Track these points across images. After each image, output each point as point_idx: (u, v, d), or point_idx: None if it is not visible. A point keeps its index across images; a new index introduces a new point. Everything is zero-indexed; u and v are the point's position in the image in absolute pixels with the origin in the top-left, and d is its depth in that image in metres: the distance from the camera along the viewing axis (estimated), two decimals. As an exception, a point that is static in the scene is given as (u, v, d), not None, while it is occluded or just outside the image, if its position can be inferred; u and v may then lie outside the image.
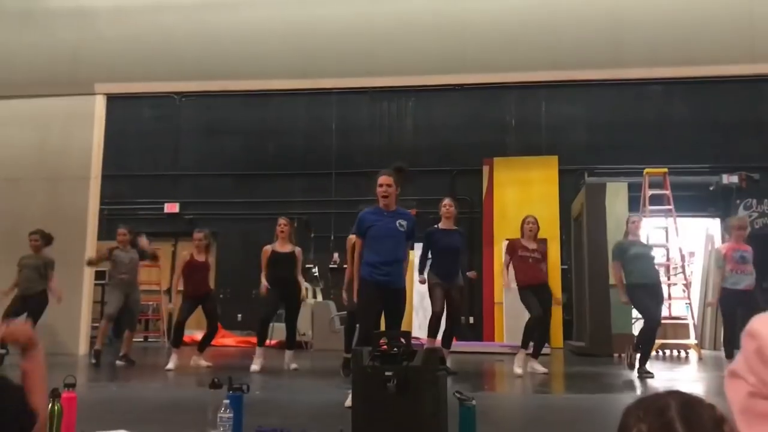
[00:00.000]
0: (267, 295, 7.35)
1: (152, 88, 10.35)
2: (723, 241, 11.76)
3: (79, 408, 3.21)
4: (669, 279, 10.36)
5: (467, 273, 7.27)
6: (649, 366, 6.87)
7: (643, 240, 8.20)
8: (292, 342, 7.56)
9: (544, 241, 7.54)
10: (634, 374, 6.70)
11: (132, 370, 7.59)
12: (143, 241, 8.42)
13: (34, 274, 8.11)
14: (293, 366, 7.30)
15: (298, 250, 7.60)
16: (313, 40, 9.10)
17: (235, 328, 12.02)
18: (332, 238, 12.78)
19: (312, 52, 9.12)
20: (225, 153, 13.58)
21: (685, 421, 1.06)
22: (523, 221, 7.40)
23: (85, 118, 9.70)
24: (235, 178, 13.43)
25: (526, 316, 7.07)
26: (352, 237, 6.60)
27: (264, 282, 7.37)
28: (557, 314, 11.63)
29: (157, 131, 13.74)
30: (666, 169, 10.32)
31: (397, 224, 5.05)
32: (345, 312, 8.20)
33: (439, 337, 6.89)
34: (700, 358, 9.18)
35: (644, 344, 6.91)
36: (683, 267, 10.21)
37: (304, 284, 8.10)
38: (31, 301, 7.94)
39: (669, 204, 10.05)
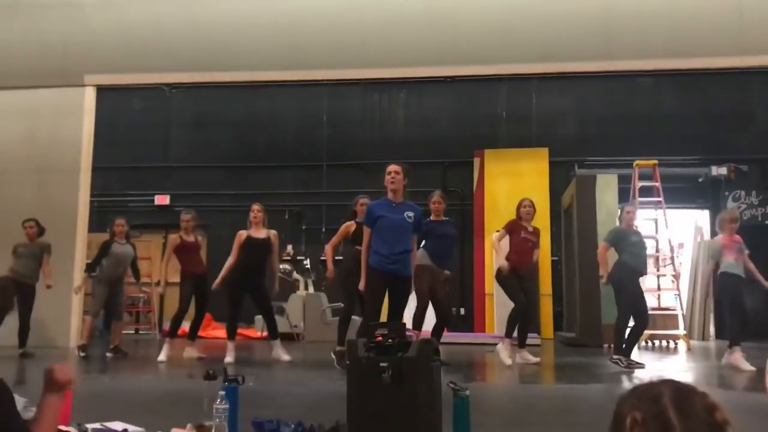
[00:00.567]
0: (229, 289, 7.28)
1: (142, 79, 10.30)
2: (711, 234, 11.87)
3: (73, 400, 3.21)
4: (658, 270, 10.45)
5: (445, 272, 7.11)
6: (638, 357, 6.93)
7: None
8: (274, 331, 7.45)
9: (537, 231, 7.41)
10: (624, 365, 6.67)
11: (124, 362, 7.59)
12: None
13: (32, 263, 8.09)
14: (285, 357, 7.26)
15: (273, 233, 7.49)
16: (304, 32, 9.08)
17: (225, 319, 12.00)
18: (324, 230, 12.79)
19: (303, 44, 9.10)
20: (216, 145, 13.53)
21: (678, 409, 1.09)
22: (519, 204, 7.35)
23: (74, 110, 9.65)
24: (225, 170, 13.39)
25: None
26: (348, 224, 6.71)
27: (220, 279, 7.27)
28: (547, 305, 11.73)
29: (147, 123, 13.67)
30: (656, 161, 10.38)
31: (405, 216, 5.31)
32: (337, 304, 8.22)
33: (428, 328, 6.92)
34: (689, 349, 9.27)
35: (636, 337, 6.94)
36: (672, 258, 10.30)
37: (282, 267, 8.04)
38: (24, 293, 7.90)
39: (658, 196, 10.12)
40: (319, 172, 13.18)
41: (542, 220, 11.54)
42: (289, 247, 11.87)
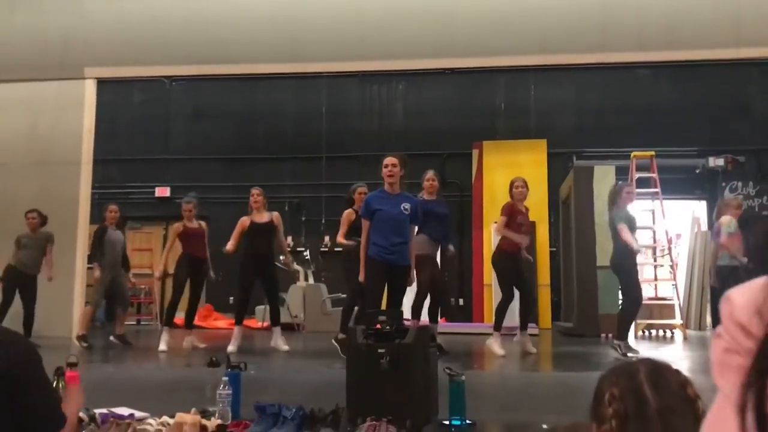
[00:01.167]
0: (242, 273, 7.28)
1: (142, 72, 10.34)
2: (708, 224, 11.94)
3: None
4: (656, 260, 10.54)
5: (449, 247, 7.14)
6: (635, 346, 7.00)
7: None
8: (276, 318, 7.47)
9: (527, 211, 7.26)
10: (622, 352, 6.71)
11: (126, 351, 7.68)
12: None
13: (36, 253, 8.16)
14: (284, 347, 7.27)
15: (275, 215, 7.44)
16: (303, 24, 9.12)
17: (228, 310, 12.07)
18: (323, 221, 12.87)
19: (302, 36, 9.14)
20: (215, 137, 13.59)
21: (652, 384, 1.19)
22: (512, 184, 7.14)
23: (75, 103, 9.69)
24: (225, 162, 13.45)
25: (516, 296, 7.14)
26: (349, 212, 6.77)
27: (230, 245, 7.20)
28: (545, 296, 11.83)
29: (147, 115, 13.72)
30: (653, 153, 10.45)
31: (402, 208, 5.38)
32: (337, 294, 8.30)
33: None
34: (685, 338, 9.36)
35: (631, 320, 7.00)
36: (670, 249, 10.38)
37: (287, 251, 8.10)
38: (29, 284, 7.98)
39: (656, 187, 10.19)
40: (318, 163, 13.24)
41: (540, 212, 11.64)
42: (289, 239, 11.94)
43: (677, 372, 1.23)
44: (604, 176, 10.27)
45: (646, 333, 9.83)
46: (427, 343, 3.12)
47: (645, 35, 8.63)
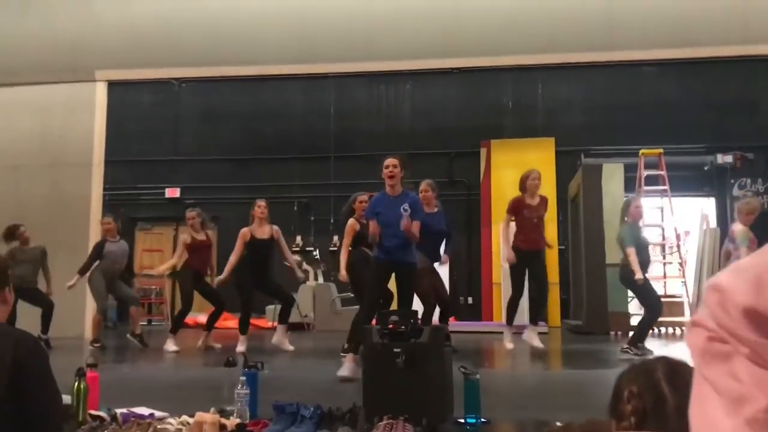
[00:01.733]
0: (241, 284, 7.29)
1: (152, 74, 10.43)
2: (718, 221, 11.94)
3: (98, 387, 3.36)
4: (665, 258, 10.54)
5: (444, 253, 7.13)
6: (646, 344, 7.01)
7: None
8: (285, 318, 7.46)
9: (544, 200, 7.06)
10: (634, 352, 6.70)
11: (140, 352, 7.74)
12: None
13: (32, 267, 8.13)
14: (288, 347, 7.23)
15: (275, 229, 7.41)
16: (311, 26, 9.18)
17: (237, 310, 12.15)
18: (332, 220, 12.91)
19: (310, 38, 9.20)
20: (224, 137, 13.65)
21: (670, 382, 1.22)
22: (527, 176, 6.92)
23: (86, 105, 9.79)
24: (234, 162, 13.52)
25: (524, 296, 7.15)
26: (353, 222, 6.77)
27: (224, 276, 7.26)
28: (554, 294, 11.83)
29: (156, 117, 13.80)
30: (661, 150, 10.45)
31: (402, 210, 5.33)
32: (347, 294, 8.33)
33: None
34: (694, 335, 9.35)
35: (648, 329, 6.97)
36: (678, 246, 10.39)
37: (295, 261, 8.13)
38: (33, 295, 8.00)
39: (664, 184, 10.20)
40: (327, 163, 13.28)
41: (549, 210, 11.54)
42: (298, 239, 12.00)
43: (694, 369, 1.27)
44: (612, 174, 10.28)
45: (655, 331, 9.84)
46: (442, 342, 3.17)
47: (652, 33, 8.64)
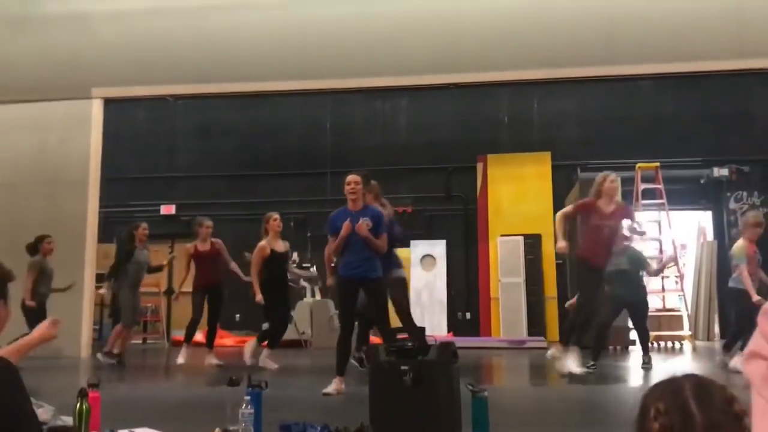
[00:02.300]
0: (269, 301, 7.22)
1: (149, 91, 10.37)
2: (715, 234, 11.96)
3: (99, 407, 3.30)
4: (663, 271, 10.51)
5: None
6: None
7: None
8: (277, 340, 7.47)
9: (623, 210, 6.18)
10: (630, 365, 6.69)
11: (136, 371, 7.65)
12: None
13: (50, 284, 8.10)
14: (272, 366, 7.12)
15: (287, 244, 7.64)
16: (309, 42, 9.18)
17: (233, 328, 12.09)
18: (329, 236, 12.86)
19: (307, 54, 9.20)
20: (220, 154, 13.62)
21: (698, 400, 1.19)
22: (603, 179, 6.14)
23: (82, 122, 9.75)
24: (230, 178, 13.48)
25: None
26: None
27: (258, 292, 7.17)
28: (553, 308, 11.80)
29: (152, 133, 13.77)
30: (658, 164, 10.47)
31: (362, 220, 5.27)
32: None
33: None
34: (694, 349, 9.34)
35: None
36: (676, 259, 10.37)
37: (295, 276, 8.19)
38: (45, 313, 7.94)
39: (661, 198, 10.21)
40: (324, 179, 13.24)
41: (546, 224, 11.66)
42: (295, 255, 11.94)
43: (723, 388, 1.24)
44: (609, 188, 10.25)
45: (655, 345, 9.81)
46: (449, 359, 3.13)
47: (648, 48, 8.68)
